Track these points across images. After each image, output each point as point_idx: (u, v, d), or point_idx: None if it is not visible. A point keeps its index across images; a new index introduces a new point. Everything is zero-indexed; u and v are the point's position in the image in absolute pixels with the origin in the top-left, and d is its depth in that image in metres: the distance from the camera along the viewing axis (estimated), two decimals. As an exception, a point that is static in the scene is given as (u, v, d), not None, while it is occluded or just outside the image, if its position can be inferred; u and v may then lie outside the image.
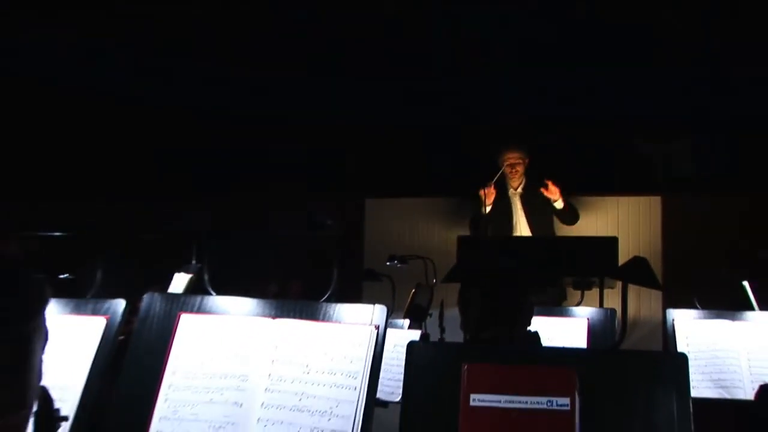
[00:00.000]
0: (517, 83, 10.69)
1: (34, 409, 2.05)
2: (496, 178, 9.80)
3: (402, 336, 5.43)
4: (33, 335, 1.85)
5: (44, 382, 2.00)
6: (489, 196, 9.78)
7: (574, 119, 11.30)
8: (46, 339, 1.92)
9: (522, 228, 9.95)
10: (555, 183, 9.78)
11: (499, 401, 2.83)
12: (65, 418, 2.42)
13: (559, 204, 9.83)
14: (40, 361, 1.90)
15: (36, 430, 2.27)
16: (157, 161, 11.28)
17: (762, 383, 4.56)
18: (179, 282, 7.28)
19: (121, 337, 3.53)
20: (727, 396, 5.21)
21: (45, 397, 2.29)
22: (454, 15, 8.86)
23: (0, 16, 8.67)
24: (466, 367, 2.90)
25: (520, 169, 9.94)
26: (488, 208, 9.83)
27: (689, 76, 10.29)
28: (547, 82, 10.61)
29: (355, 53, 9.89)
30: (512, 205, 9.98)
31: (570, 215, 9.97)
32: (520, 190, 10.00)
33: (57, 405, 2.36)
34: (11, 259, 1.88)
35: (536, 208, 9.92)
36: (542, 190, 9.77)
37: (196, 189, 11.57)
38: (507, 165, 9.95)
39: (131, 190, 10.92)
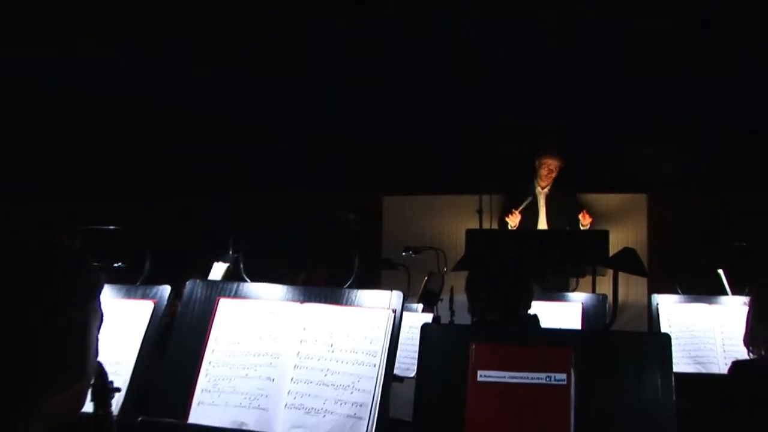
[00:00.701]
0: (519, 92, 10.69)
1: (92, 381, 2.08)
2: (523, 206, 9.76)
3: (416, 319, 5.43)
4: (90, 316, 1.88)
5: (100, 358, 2.03)
6: (514, 220, 9.76)
7: (572, 125, 11.31)
8: (101, 320, 1.95)
9: (542, 222, 9.93)
10: (589, 215, 9.82)
11: (503, 377, 2.84)
12: (118, 390, 2.42)
13: (586, 227, 9.83)
14: (96, 339, 1.93)
15: (93, 400, 2.30)
16: (192, 164, 11.30)
17: (734, 359, 4.56)
18: (218, 270, 7.29)
19: (167, 319, 3.54)
20: (704, 371, 5.24)
21: (100, 372, 2.31)
22: (463, 31, 8.85)
23: (55, 35, 8.70)
24: (473, 346, 2.91)
25: (554, 174, 9.92)
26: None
27: (672, 88, 10.30)
28: (547, 92, 10.61)
29: (377, 66, 9.89)
30: (537, 202, 9.96)
31: None
32: (546, 190, 9.97)
33: (111, 378, 2.38)
34: (72, 249, 1.90)
35: (556, 209, 9.90)
36: (580, 217, 9.77)
37: (231, 189, 11.60)
38: (545, 168, 9.93)
39: (167, 189, 10.94)
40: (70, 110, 10.17)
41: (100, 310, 1.94)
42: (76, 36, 8.98)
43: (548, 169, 9.93)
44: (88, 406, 2.18)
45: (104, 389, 2.35)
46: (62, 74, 10.28)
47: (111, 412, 2.37)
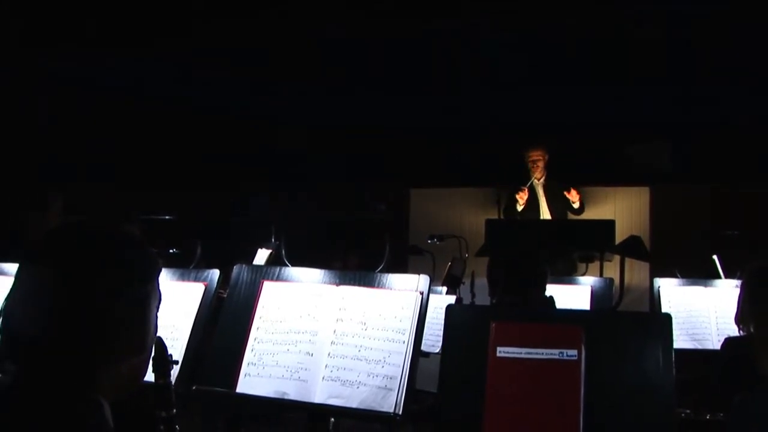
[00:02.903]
0: (533, 96, 10.69)
1: (153, 354, 2.14)
2: (529, 183, 9.82)
3: (441, 300, 5.42)
4: (150, 295, 1.96)
5: (159, 334, 2.10)
6: (523, 197, 9.79)
7: (581, 125, 11.31)
8: (159, 300, 2.01)
9: (544, 210, 9.94)
10: (577, 190, 9.82)
11: (521, 353, 2.83)
12: (176, 362, 2.46)
13: (576, 205, 9.87)
14: (155, 317, 2.01)
15: (154, 371, 2.35)
16: (239, 160, 11.36)
17: (726, 336, 4.59)
18: (262, 256, 7.34)
19: (222, 293, 3.57)
20: (699, 347, 5.26)
21: (160, 346, 2.38)
22: (481, 45, 8.85)
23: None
24: (493, 324, 2.90)
25: (540, 164, 9.90)
26: (521, 207, 9.83)
27: (669, 93, 10.30)
28: (558, 96, 10.61)
29: (410, 75, 9.92)
30: (536, 192, 9.97)
31: (579, 211, 9.97)
32: (542, 180, 9.96)
33: (169, 352, 2.42)
34: (135, 236, 1.97)
35: (554, 195, 9.91)
36: (566, 193, 9.79)
37: (275, 183, 11.66)
38: (530, 161, 9.94)
39: (217, 184, 10.99)
40: (134, 116, 10.25)
41: (159, 291, 2.01)
42: (141, 51, 9.04)
43: (533, 160, 9.95)
44: (150, 376, 2.22)
45: (164, 361, 2.41)
46: (125, 83, 10.36)
47: (170, 382, 2.42)
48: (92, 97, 9.86)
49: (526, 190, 9.81)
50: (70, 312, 1.80)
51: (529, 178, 9.98)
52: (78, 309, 1.80)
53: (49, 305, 1.80)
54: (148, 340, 1.97)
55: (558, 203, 9.95)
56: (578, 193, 9.87)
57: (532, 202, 9.93)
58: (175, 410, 2.41)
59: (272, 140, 11.81)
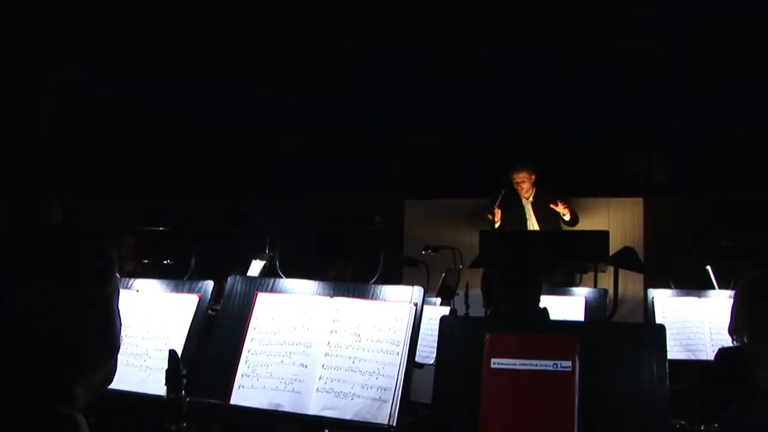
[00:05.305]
0: (528, 107, 10.69)
1: (166, 368, 2.13)
2: (497, 202, 9.69)
3: (435, 311, 5.40)
4: (113, 295, 1.91)
5: (157, 345, 2.08)
6: (496, 216, 9.75)
7: (575, 136, 11.33)
8: (118, 292, 1.96)
9: (533, 228, 9.90)
10: (563, 202, 9.77)
11: (515, 364, 2.83)
12: (186, 376, 2.46)
13: (567, 217, 9.79)
14: (118, 312, 1.95)
15: (167, 384, 2.39)
16: (234, 170, 11.37)
17: (720, 347, 4.59)
18: (256, 267, 7.34)
19: (211, 312, 3.56)
20: (693, 357, 5.29)
21: (174, 358, 2.38)
22: (477, 58, 8.86)
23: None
24: (487, 336, 2.90)
25: (525, 185, 9.83)
26: (497, 224, 9.78)
27: (663, 103, 10.31)
28: (553, 106, 10.62)
29: (406, 85, 9.91)
30: (526, 211, 9.94)
31: (573, 223, 9.93)
32: (531, 199, 9.91)
33: (161, 362, 2.43)
34: (92, 237, 1.92)
35: (544, 213, 9.86)
36: (552, 206, 9.75)
37: (269, 192, 11.66)
38: (515, 182, 9.90)
39: (212, 194, 11.00)
40: (133, 126, 10.25)
41: (117, 285, 1.96)
42: (141, 62, 9.04)
43: (517, 183, 9.91)
44: (162, 390, 2.22)
45: (178, 375, 2.40)
46: (124, 94, 10.35)
47: (182, 396, 2.41)
48: (92, 107, 9.85)
49: (498, 209, 9.75)
50: (40, 326, 1.76)
51: (498, 192, 9.91)
52: (47, 323, 1.76)
53: (18, 319, 1.77)
54: (118, 341, 1.93)
55: (548, 219, 9.91)
56: (565, 205, 9.77)
57: (521, 221, 9.90)
58: (185, 424, 2.40)
59: (267, 150, 11.82)
